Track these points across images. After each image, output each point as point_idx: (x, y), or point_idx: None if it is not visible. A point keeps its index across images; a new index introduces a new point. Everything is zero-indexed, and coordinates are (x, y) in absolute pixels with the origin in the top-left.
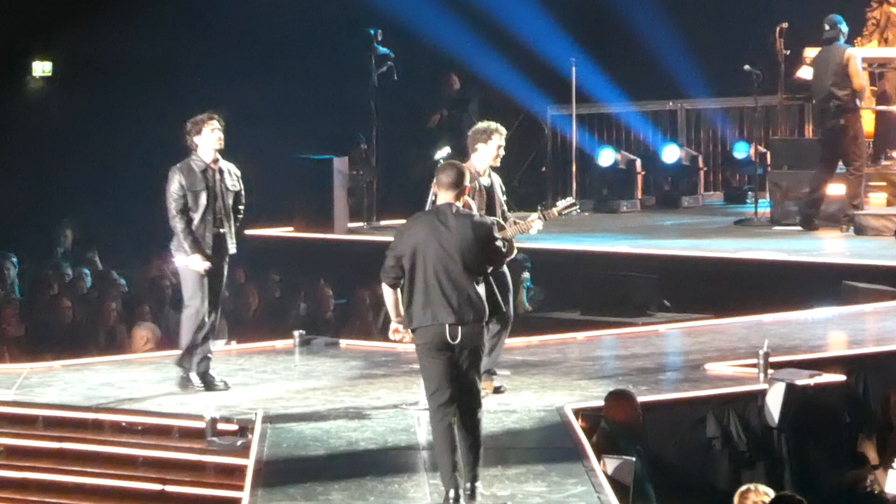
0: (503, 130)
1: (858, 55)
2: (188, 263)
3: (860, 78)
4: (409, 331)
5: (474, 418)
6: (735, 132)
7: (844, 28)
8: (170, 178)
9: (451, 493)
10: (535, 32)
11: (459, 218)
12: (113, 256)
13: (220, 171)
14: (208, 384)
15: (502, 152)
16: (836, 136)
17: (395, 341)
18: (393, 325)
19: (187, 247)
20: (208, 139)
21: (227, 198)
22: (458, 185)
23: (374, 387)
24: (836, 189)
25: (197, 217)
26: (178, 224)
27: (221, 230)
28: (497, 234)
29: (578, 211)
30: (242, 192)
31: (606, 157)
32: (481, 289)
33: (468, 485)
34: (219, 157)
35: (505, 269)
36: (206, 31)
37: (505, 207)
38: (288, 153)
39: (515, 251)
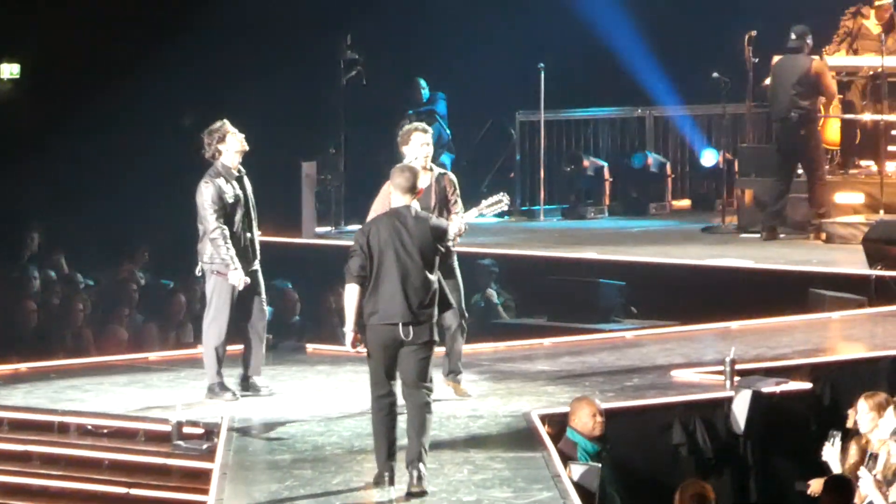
0: (424, 128)
1: (827, 66)
2: (230, 278)
3: (833, 87)
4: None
5: (423, 409)
6: (703, 139)
7: (810, 40)
8: (202, 190)
9: (386, 476)
10: (503, 37)
11: (418, 220)
12: (81, 260)
13: (243, 177)
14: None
15: (427, 150)
16: (797, 146)
17: (356, 351)
18: (350, 335)
19: (229, 260)
20: (233, 144)
21: (251, 203)
22: (413, 189)
23: (341, 391)
24: (801, 197)
25: (231, 227)
26: (218, 235)
27: (249, 235)
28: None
29: (507, 205)
30: None
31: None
32: (435, 287)
33: (415, 471)
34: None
35: (456, 270)
36: (175, 35)
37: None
38: (256, 157)
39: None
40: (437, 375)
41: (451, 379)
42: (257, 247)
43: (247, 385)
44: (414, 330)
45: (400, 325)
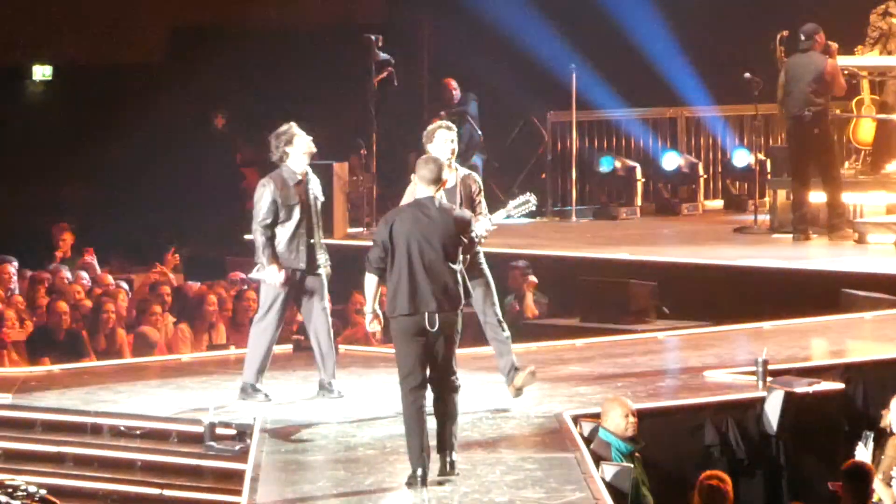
0: (448, 125)
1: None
2: (265, 276)
3: (842, 82)
4: (382, 318)
5: (449, 399)
6: (735, 140)
7: (820, 38)
8: (261, 191)
9: (419, 472)
10: (535, 38)
11: (441, 211)
12: (113, 261)
13: (310, 181)
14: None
15: (452, 147)
16: (813, 144)
17: (372, 332)
18: (370, 317)
19: (265, 259)
20: (302, 147)
21: (317, 208)
22: (437, 180)
23: (373, 392)
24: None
25: (290, 230)
26: (259, 236)
27: (312, 241)
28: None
29: (534, 206)
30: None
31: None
32: (458, 278)
33: (448, 458)
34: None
35: (486, 271)
36: (206, 37)
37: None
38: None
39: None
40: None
41: (515, 375)
42: (320, 252)
43: (322, 388)
44: (439, 319)
45: (426, 314)
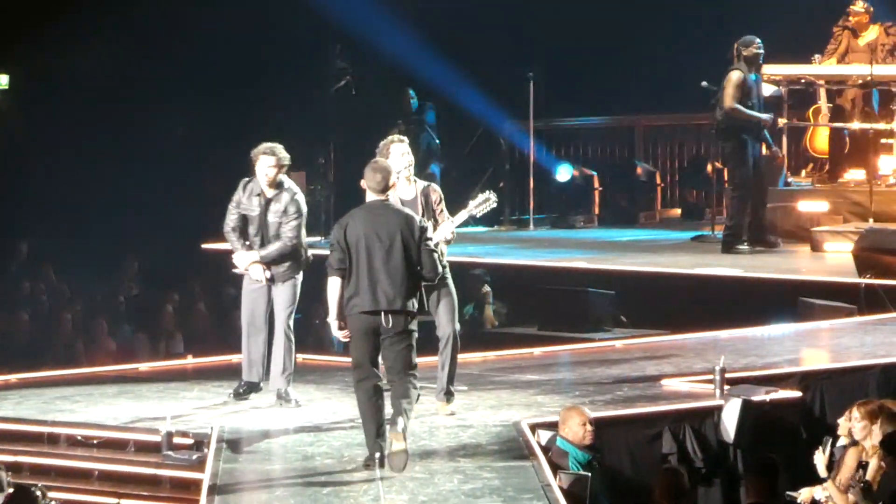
0: (400, 138)
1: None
2: (236, 262)
3: (730, 101)
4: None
5: (409, 390)
6: (692, 149)
7: (747, 51)
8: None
9: (376, 455)
10: (492, 46)
11: (393, 212)
12: (69, 271)
13: (269, 202)
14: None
15: (409, 160)
16: (730, 157)
17: (343, 335)
18: (335, 323)
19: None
20: (260, 172)
21: (269, 229)
22: (386, 189)
23: (331, 401)
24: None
25: (248, 239)
26: (225, 230)
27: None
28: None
29: (495, 203)
30: (286, 220)
31: (564, 172)
32: (413, 281)
33: (399, 419)
34: (275, 189)
35: (449, 280)
36: (164, 48)
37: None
38: (245, 168)
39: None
40: (429, 396)
41: (443, 398)
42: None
43: (279, 397)
44: (394, 318)
45: (382, 314)
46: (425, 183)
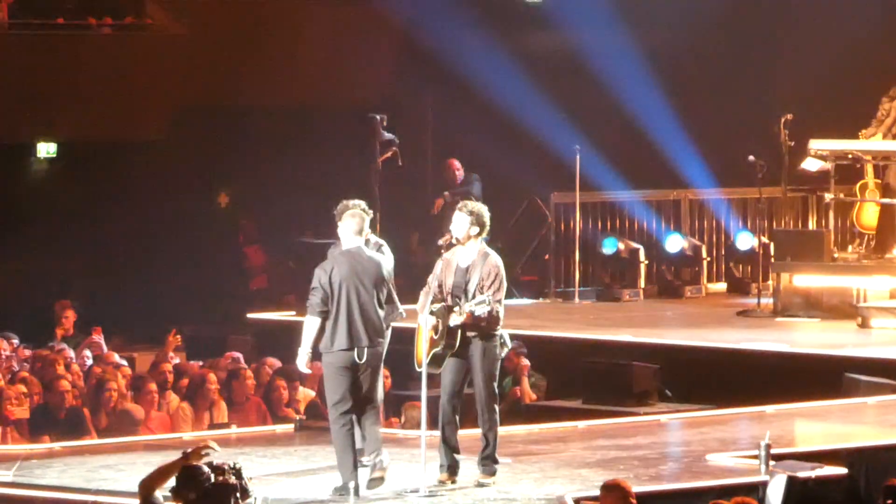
0: (460, 206)
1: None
2: None
3: None
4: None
5: (376, 419)
6: (738, 222)
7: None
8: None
9: (352, 485)
10: (539, 119)
11: (370, 259)
12: (115, 339)
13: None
14: None
15: (462, 229)
16: None
17: (306, 373)
18: (306, 358)
19: None
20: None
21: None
22: (362, 230)
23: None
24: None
25: None
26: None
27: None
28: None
29: (489, 305)
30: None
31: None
32: (381, 318)
33: (378, 458)
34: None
35: (486, 354)
36: (208, 116)
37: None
38: (291, 237)
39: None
40: (470, 465)
41: (482, 468)
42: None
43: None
44: (368, 353)
45: (356, 350)
46: (492, 254)
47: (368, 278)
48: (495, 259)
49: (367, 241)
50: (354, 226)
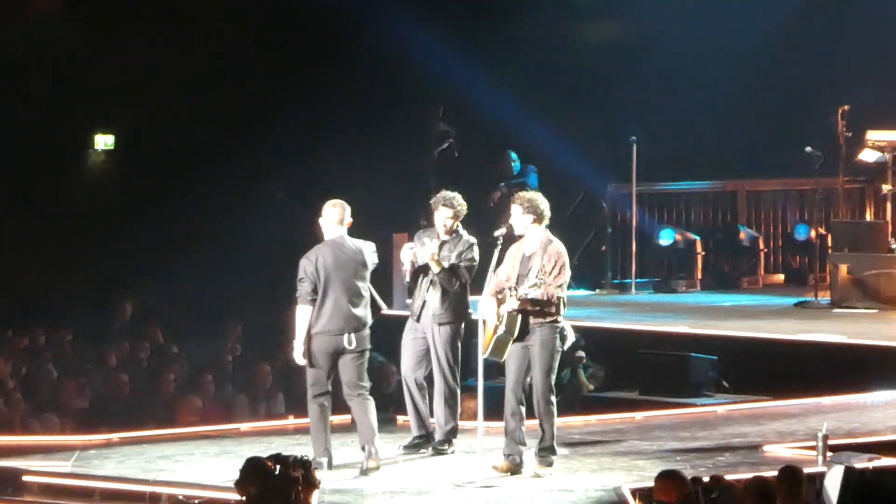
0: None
1: None
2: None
3: None
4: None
5: (365, 401)
6: (796, 214)
7: None
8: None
9: (324, 460)
10: (595, 110)
11: (353, 248)
12: (175, 331)
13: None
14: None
15: (447, 223)
16: None
17: (302, 363)
18: (301, 347)
19: None
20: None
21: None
22: (343, 220)
23: (431, 463)
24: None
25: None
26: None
27: None
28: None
29: (541, 289)
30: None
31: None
32: (366, 304)
33: (371, 448)
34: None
35: (548, 344)
36: (268, 108)
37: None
38: (349, 229)
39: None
40: (528, 454)
41: (539, 459)
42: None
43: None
44: (355, 338)
45: (345, 335)
46: (555, 241)
47: (353, 266)
48: (557, 246)
49: (458, 237)
50: (336, 216)
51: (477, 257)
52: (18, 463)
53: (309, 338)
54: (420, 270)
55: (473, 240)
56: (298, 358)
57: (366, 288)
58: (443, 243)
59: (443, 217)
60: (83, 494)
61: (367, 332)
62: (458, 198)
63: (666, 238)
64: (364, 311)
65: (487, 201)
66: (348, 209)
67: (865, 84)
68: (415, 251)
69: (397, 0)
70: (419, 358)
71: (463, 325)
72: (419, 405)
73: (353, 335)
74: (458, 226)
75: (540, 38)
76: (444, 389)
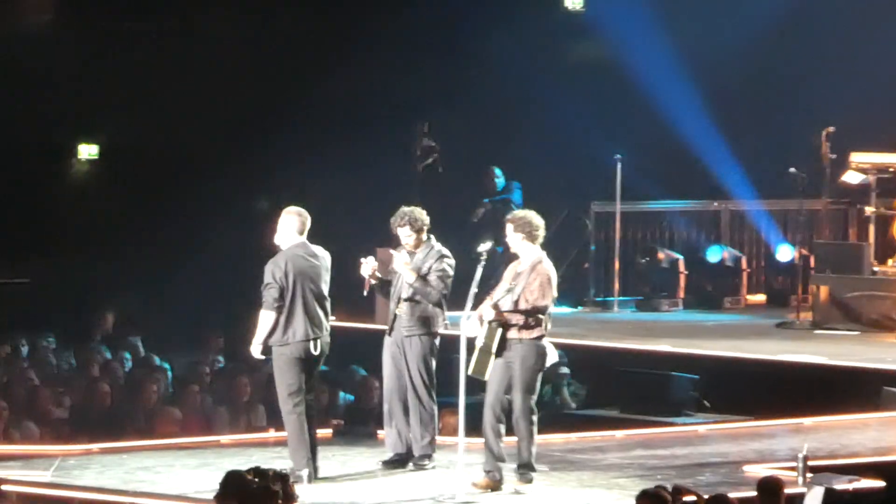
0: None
1: None
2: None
3: None
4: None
5: (314, 409)
6: (779, 234)
7: None
8: None
9: (305, 472)
10: (579, 128)
11: (316, 255)
12: (154, 341)
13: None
14: None
15: (408, 240)
16: None
17: (261, 358)
18: (260, 347)
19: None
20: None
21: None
22: (304, 229)
23: (411, 478)
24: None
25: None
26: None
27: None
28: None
29: (514, 296)
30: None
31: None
32: (327, 310)
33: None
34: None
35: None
36: (251, 120)
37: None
38: (331, 242)
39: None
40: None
41: (519, 475)
42: None
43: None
44: (321, 343)
45: (311, 341)
46: (539, 259)
47: (316, 273)
48: (546, 266)
49: (428, 248)
50: (297, 224)
51: (450, 269)
52: None
53: (278, 347)
54: (389, 284)
55: (446, 251)
56: (256, 353)
57: (327, 296)
58: (412, 256)
59: (403, 235)
60: None
61: (328, 339)
62: (415, 212)
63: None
64: (326, 317)
65: (471, 216)
66: (308, 218)
67: (850, 106)
68: (374, 266)
69: (387, 18)
70: (399, 374)
71: (437, 340)
72: (399, 423)
73: (319, 341)
74: (429, 237)
75: (524, 56)
76: (417, 403)
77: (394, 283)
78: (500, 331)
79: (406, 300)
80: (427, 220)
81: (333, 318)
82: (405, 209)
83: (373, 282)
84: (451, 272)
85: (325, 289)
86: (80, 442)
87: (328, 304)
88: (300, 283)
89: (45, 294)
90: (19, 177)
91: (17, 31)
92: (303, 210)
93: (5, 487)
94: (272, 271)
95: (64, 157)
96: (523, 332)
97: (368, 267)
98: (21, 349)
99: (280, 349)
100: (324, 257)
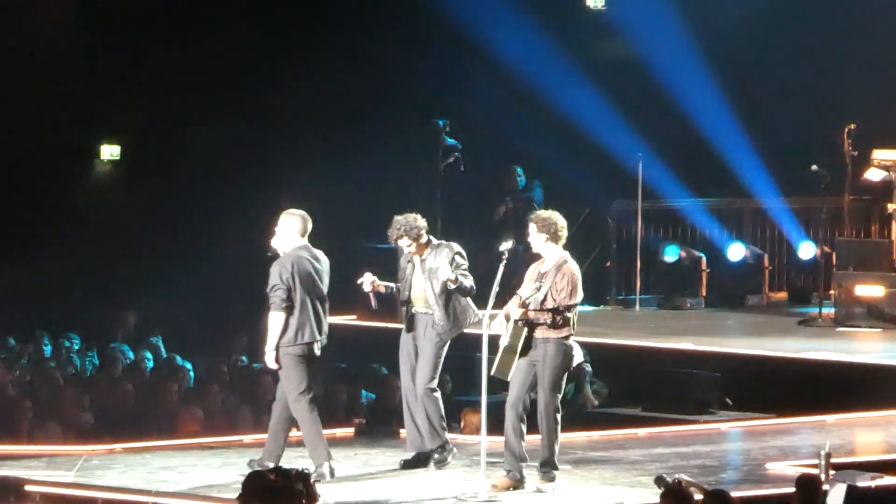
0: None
1: None
2: None
3: None
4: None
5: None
6: (801, 232)
7: None
8: None
9: (326, 468)
10: (601, 126)
11: (319, 258)
12: (177, 341)
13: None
14: None
15: (409, 249)
16: None
17: (274, 368)
18: (273, 353)
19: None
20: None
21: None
22: (306, 231)
23: (434, 477)
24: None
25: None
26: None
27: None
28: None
29: (541, 294)
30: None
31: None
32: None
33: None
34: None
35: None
36: (271, 118)
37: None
38: (353, 241)
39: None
40: (531, 471)
41: (542, 474)
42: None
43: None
44: (321, 347)
45: (315, 343)
46: (568, 260)
47: (319, 275)
48: (571, 266)
49: (437, 246)
50: (299, 226)
51: (465, 260)
52: (20, 472)
53: (286, 347)
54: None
55: (452, 244)
56: (271, 363)
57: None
58: (423, 261)
59: (404, 246)
60: None
61: (325, 341)
62: (409, 221)
63: (671, 254)
64: (326, 319)
65: (493, 216)
66: (310, 220)
67: (872, 103)
68: (373, 280)
69: (408, 14)
70: (415, 372)
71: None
72: (418, 421)
73: (319, 344)
74: (429, 239)
75: (546, 54)
76: (426, 399)
77: (403, 284)
78: (525, 330)
79: (440, 298)
80: (423, 223)
81: (354, 316)
82: (398, 219)
83: (382, 290)
84: (467, 262)
85: (324, 288)
86: (103, 442)
87: (327, 307)
88: (306, 285)
89: (66, 295)
90: (42, 177)
91: (40, 32)
92: (304, 212)
93: (29, 488)
94: (279, 273)
95: (86, 157)
96: (551, 331)
97: (368, 282)
98: (44, 349)
99: (287, 349)
100: (325, 261)
